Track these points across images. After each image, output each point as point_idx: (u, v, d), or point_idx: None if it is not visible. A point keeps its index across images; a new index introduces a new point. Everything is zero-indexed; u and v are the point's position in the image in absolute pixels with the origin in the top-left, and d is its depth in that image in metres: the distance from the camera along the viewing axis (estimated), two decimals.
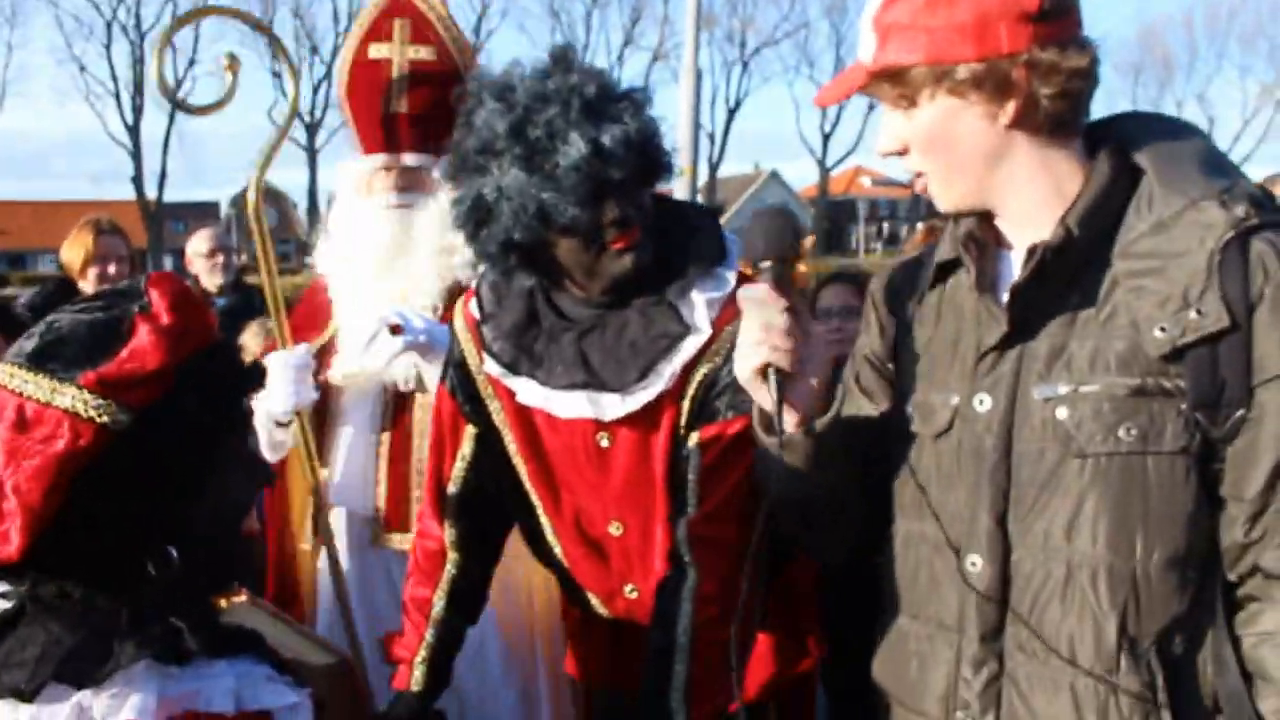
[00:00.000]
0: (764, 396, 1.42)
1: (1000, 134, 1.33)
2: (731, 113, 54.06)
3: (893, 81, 1.34)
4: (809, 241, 4.41)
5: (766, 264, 1.43)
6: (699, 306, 1.81)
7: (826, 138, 51.73)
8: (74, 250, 4.03)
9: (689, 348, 1.82)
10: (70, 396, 1.12)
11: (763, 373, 1.39)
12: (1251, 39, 55.83)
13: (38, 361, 1.16)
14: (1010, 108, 1.31)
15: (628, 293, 1.83)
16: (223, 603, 1.31)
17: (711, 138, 52.64)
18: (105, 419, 1.12)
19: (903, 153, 1.40)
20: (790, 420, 1.43)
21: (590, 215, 1.72)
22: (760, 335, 1.39)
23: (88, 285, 3.90)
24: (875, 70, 1.35)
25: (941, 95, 1.32)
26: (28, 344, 1.18)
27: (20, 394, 1.14)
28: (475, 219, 1.78)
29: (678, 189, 8.98)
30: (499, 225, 1.75)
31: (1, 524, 1.13)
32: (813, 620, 2.17)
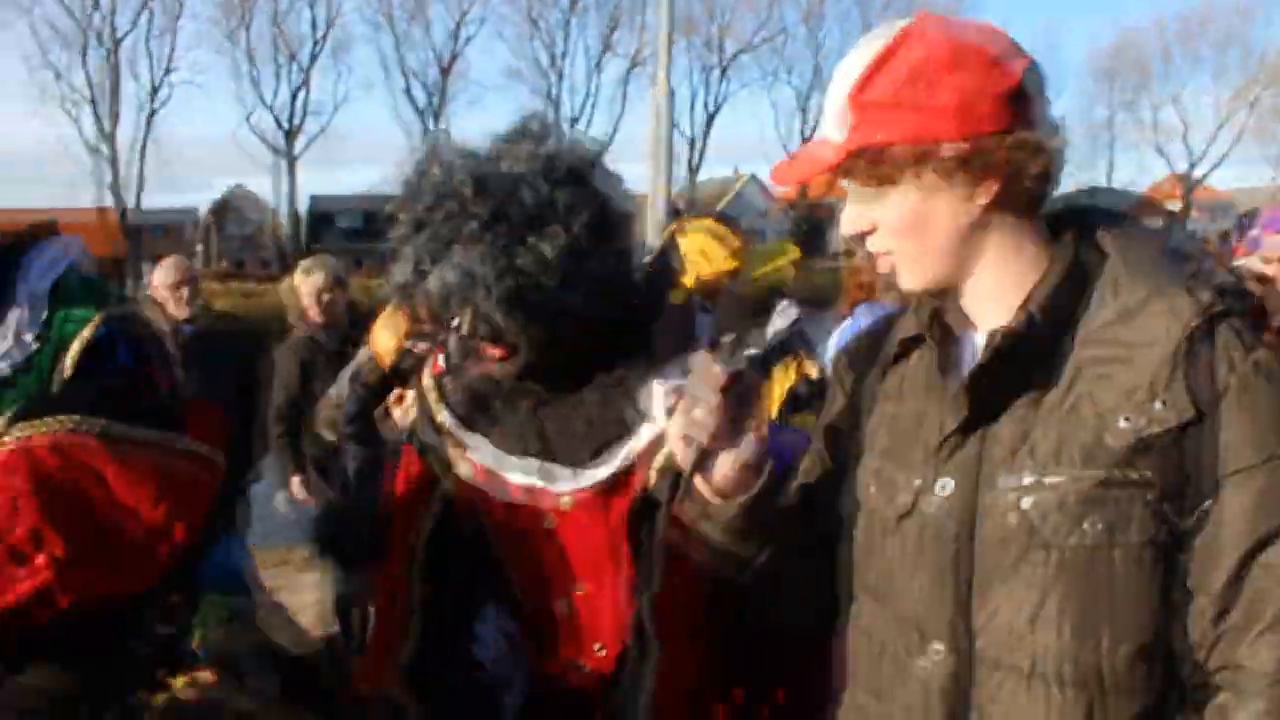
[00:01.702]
0: (681, 459, 1.40)
1: (976, 214, 1.30)
2: (710, 118, 54.23)
3: (870, 161, 1.30)
4: (792, 253, 4.39)
5: (728, 338, 1.41)
6: (656, 395, 1.81)
7: (805, 142, 51.81)
8: None
9: (644, 436, 1.82)
10: (189, 443, 1.29)
11: (685, 440, 1.38)
12: (1224, 44, 56.35)
13: (130, 419, 1.27)
14: (992, 188, 1.28)
15: (586, 372, 1.84)
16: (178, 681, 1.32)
17: (691, 143, 52.80)
18: (221, 461, 1.29)
19: (869, 233, 1.37)
20: (705, 492, 1.41)
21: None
22: (690, 403, 1.37)
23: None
24: (852, 149, 1.31)
25: (924, 175, 1.29)
26: (81, 397, 1.31)
27: (132, 439, 1.25)
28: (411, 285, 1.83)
29: (650, 203, 8.96)
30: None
31: (146, 544, 1.21)
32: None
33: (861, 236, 1.38)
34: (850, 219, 1.37)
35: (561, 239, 1.71)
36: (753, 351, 1.41)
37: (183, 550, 1.20)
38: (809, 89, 53.96)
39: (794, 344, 3.16)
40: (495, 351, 1.80)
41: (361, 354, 3.67)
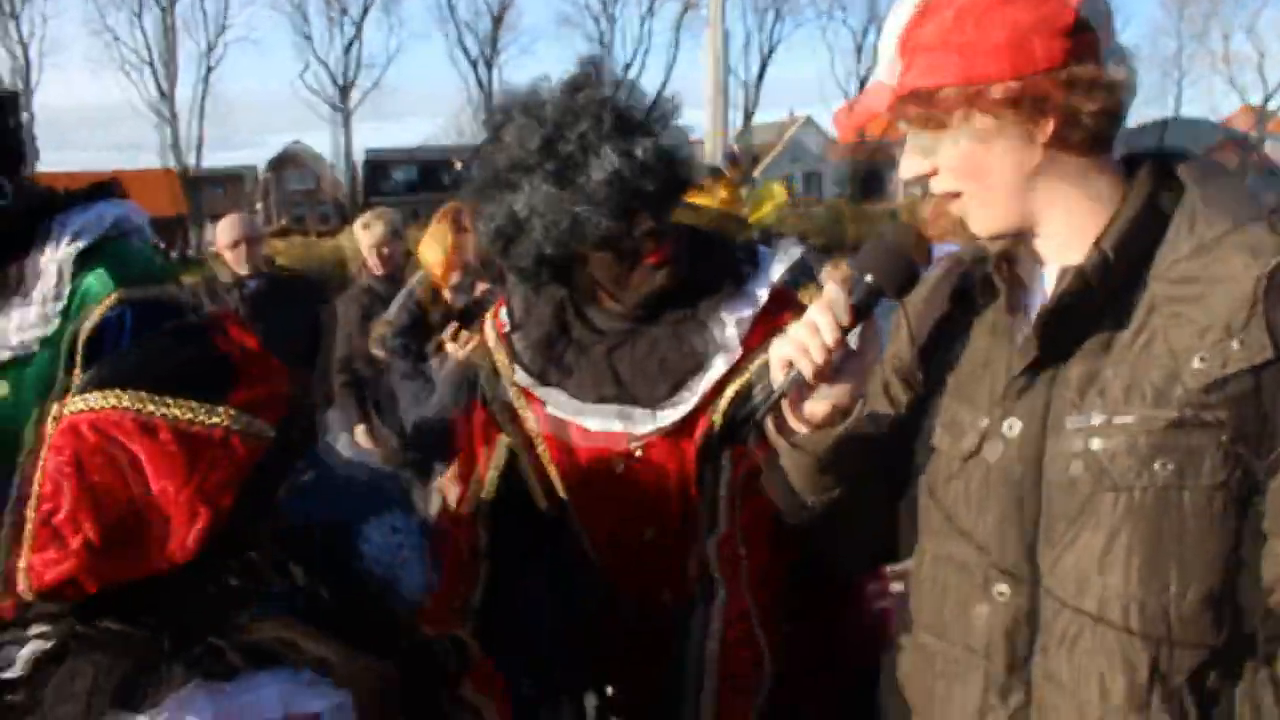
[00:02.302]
0: (776, 379, 1.38)
1: (1037, 154, 1.26)
2: (765, 60, 53.40)
3: (921, 104, 1.27)
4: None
5: (868, 279, 1.35)
6: (729, 325, 1.82)
7: (862, 82, 50.90)
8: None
9: (719, 366, 1.82)
10: (229, 417, 1.24)
11: (786, 364, 1.36)
12: None
13: (169, 387, 1.24)
14: (1048, 126, 1.24)
15: (658, 308, 1.84)
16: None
17: (745, 85, 52.08)
18: (266, 433, 1.25)
19: (930, 175, 1.33)
20: (790, 419, 1.39)
21: (623, 229, 1.72)
22: (804, 332, 1.34)
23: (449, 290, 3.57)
24: (902, 93, 1.28)
25: (975, 116, 1.25)
26: (141, 371, 1.26)
27: (167, 417, 1.22)
28: (507, 235, 1.78)
29: (707, 147, 8.90)
30: (531, 241, 1.75)
31: (172, 529, 1.20)
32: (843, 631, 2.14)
33: (924, 179, 1.35)
34: (910, 162, 1.35)
35: (664, 140, 1.74)
36: (883, 296, 1.37)
37: (217, 530, 1.21)
38: (865, 29, 52.85)
39: (809, 273, 3.15)
40: (656, 258, 1.78)
41: (414, 277, 3.71)
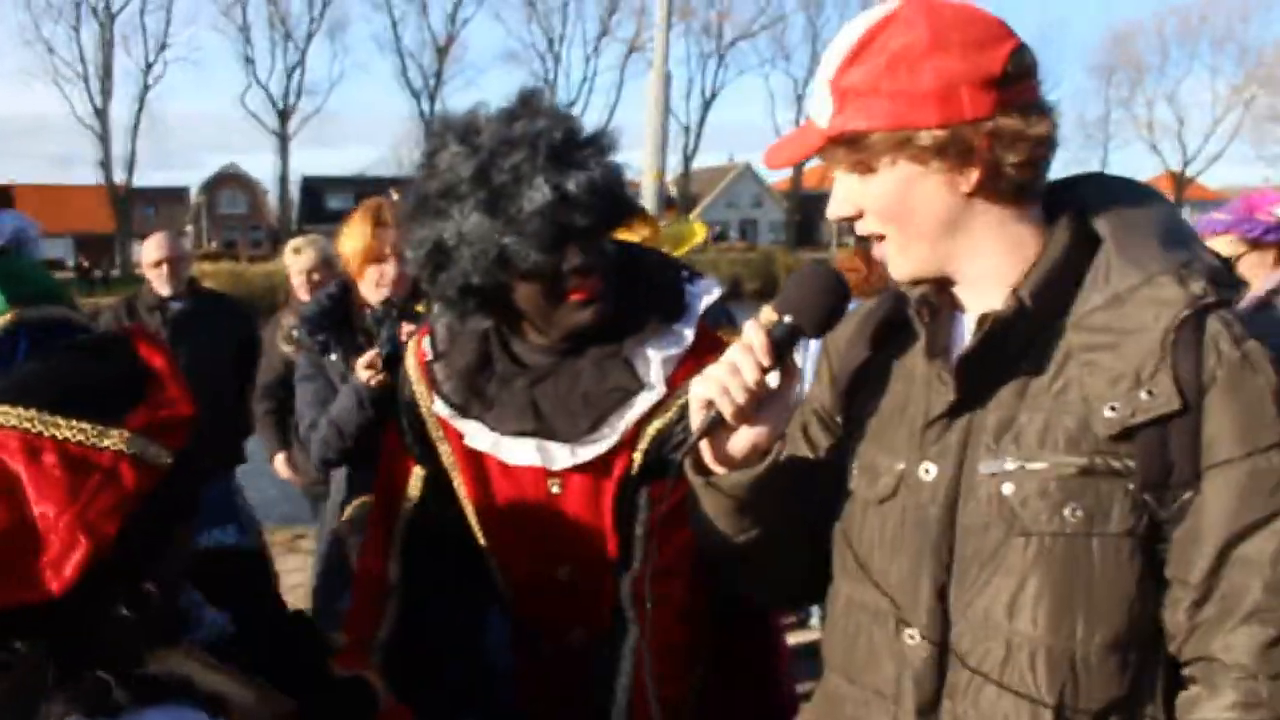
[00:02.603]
0: (695, 422, 1.37)
1: (960, 201, 1.29)
2: (706, 104, 54.16)
3: (850, 147, 1.29)
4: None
5: (787, 319, 1.35)
6: (654, 363, 1.80)
7: None
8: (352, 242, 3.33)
9: (641, 404, 1.80)
10: (123, 440, 1.17)
11: (706, 404, 1.35)
12: (1221, 41, 56.43)
13: (63, 407, 1.18)
14: (972, 176, 1.26)
15: (583, 343, 1.82)
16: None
17: (686, 129, 52.72)
18: (163, 459, 1.18)
19: (856, 217, 1.35)
20: (708, 458, 1.39)
21: (552, 262, 1.70)
22: (724, 372, 1.33)
23: (367, 286, 3.26)
24: (832, 135, 1.30)
25: (902, 162, 1.27)
26: (35, 390, 1.20)
27: (56, 438, 1.16)
28: (435, 262, 1.75)
29: (645, 189, 8.93)
30: (458, 269, 1.72)
31: (49, 557, 1.13)
32: (772, 668, 2.14)
33: (849, 220, 1.36)
34: (837, 203, 1.36)
35: (598, 174, 1.72)
36: (803, 335, 1.37)
37: (99, 559, 1.14)
38: (807, 76, 53.84)
39: (728, 316, 3.14)
40: (582, 294, 1.75)
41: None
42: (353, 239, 3.11)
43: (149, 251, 4.98)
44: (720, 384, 1.33)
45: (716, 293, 1.92)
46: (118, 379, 1.22)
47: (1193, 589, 1.22)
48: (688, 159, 52.89)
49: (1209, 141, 53.68)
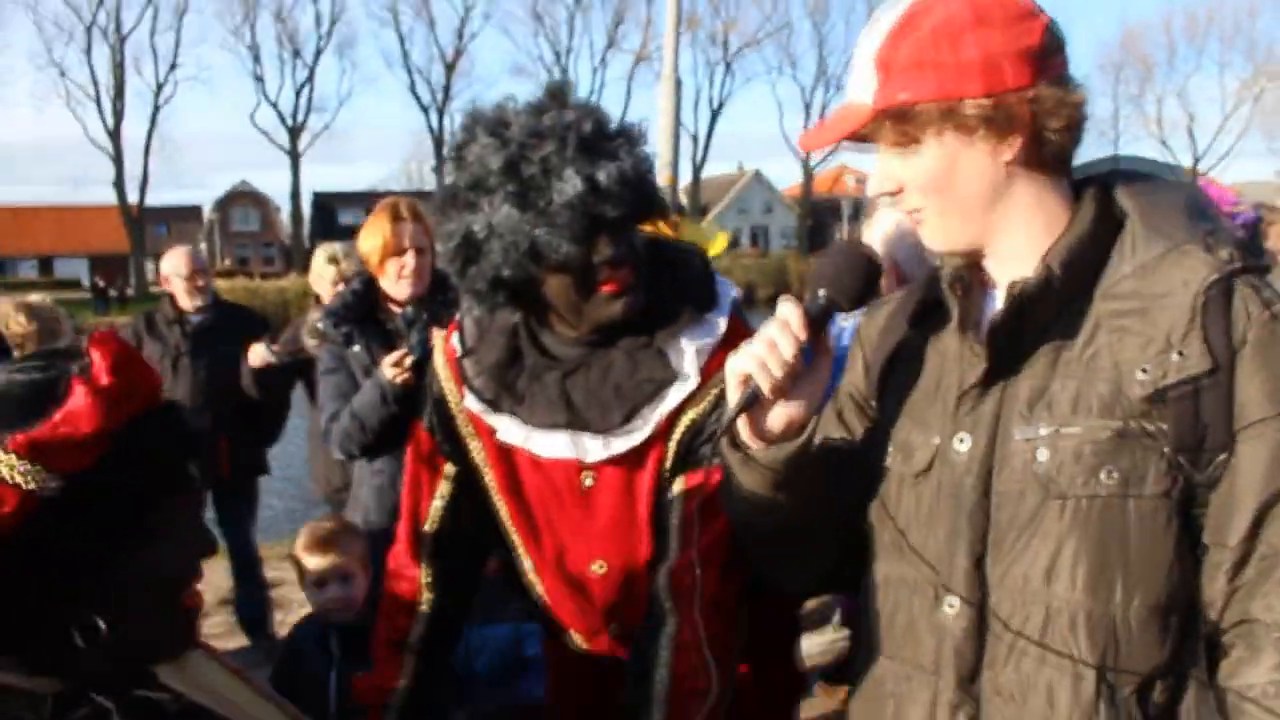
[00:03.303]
0: (732, 399, 1.38)
1: (1001, 171, 1.32)
2: (715, 114, 54.23)
3: (896, 120, 1.32)
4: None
5: (822, 293, 1.38)
6: (688, 354, 1.80)
7: None
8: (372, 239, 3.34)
9: (675, 395, 1.80)
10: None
11: (744, 380, 1.37)
12: (1230, 37, 56.23)
13: None
14: (1016, 143, 1.30)
15: (614, 334, 1.81)
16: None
17: (695, 139, 52.79)
18: (33, 485, 1.04)
19: (896, 193, 1.37)
20: (745, 434, 1.40)
21: (583, 253, 1.69)
22: (762, 348, 1.35)
23: (388, 281, 3.29)
24: (880, 108, 1.32)
25: (948, 133, 1.30)
26: None
27: None
28: (464, 255, 1.75)
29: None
30: (488, 262, 1.72)
31: None
32: (790, 658, 2.16)
33: (891, 196, 1.39)
34: (878, 179, 1.39)
35: (628, 165, 1.72)
36: (838, 310, 1.40)
37: None
38: (814, 85, 53.88)
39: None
40: (613, 285, 1.75)
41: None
42: (372, 235, 3.15)
43: (178, 265, 4.97)
44: (758, 359, 1.35)
45: (735, 292, 1.92)
46: (33, 390, 1.11)
47: (1231, 551, 1.23)
48: (697, 168, 52.95)
49: (1219, 137, 53.54)
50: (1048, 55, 1.29)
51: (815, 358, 1.38)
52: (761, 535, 1.51)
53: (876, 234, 2.75)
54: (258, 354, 4.63)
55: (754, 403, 1.36)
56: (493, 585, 2.58)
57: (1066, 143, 1.31)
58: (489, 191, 1.70)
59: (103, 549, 1.10)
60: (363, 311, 3.25)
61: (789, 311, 1.36)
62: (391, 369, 2.91)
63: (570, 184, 1.66)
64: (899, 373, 1.48)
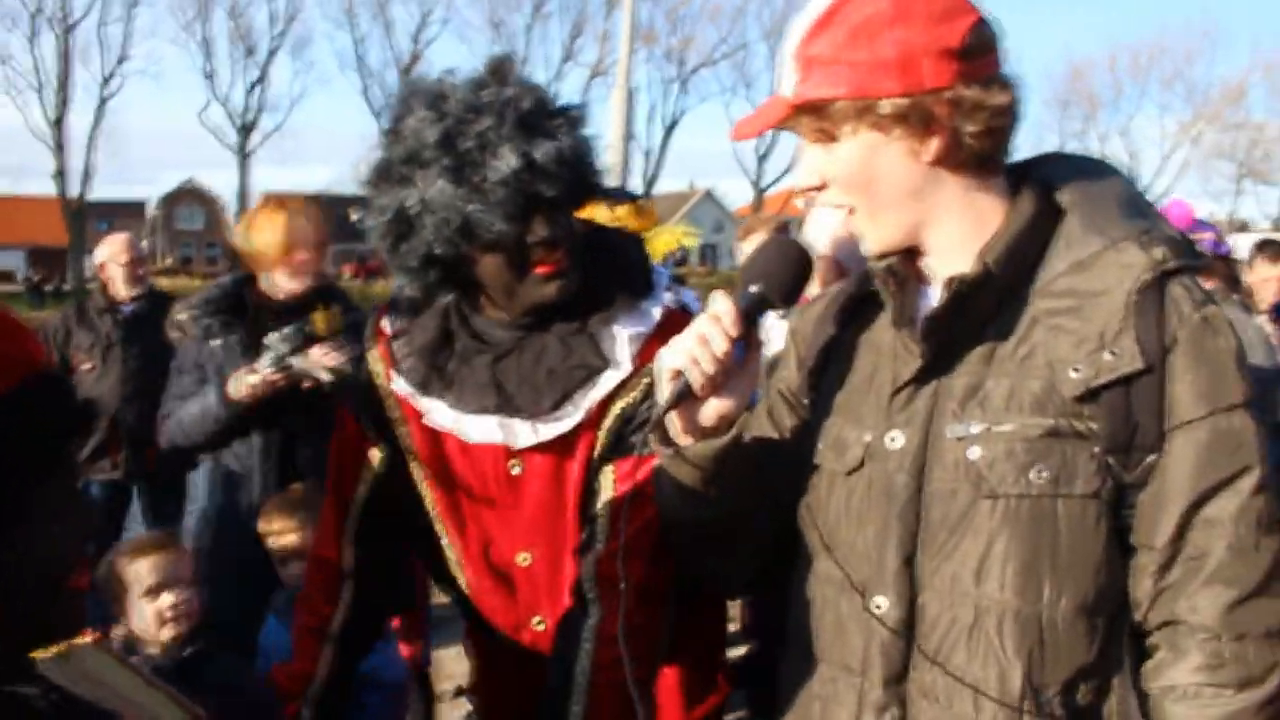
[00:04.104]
0: (662, 394, 1.37)
1: (923, 170, 1.31)
2: (668, 130, 54.43)
3: (814, 115, 1.31)
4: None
5: (755, 288, 1.37)
6: (620, 341, 1.78)
7: (761, 159, 52.26)
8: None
9: (607, 382, 1.77)
10: None
11: (675, 375, 1.35)
12: (1171, 80, 57.76)
13: None
14: (933, 144, 1.28)
15: (547, 318, 1.78)
16: (62, 645, 1.17)
17: (647, 154, 52.94)
18: None
19: (821, 188, 1.37)
20: (675, 429, 1.39)
21: (517, 232, 1.66)
22: (694, 343, 1.34)
23: (281, 278, 3.21)
24: (796, 103, 1.31)
25: (864, 130, 1.29)
26: None
27: None
28: (396, 231, 1.71)
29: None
30: (420, 239, 1.69)
31: None
32: (720, 655, 2.15)
33: (815, 191, 1.38)
34: (803, 173, 1.38)
35: (566, 144, 1.68)
36: (770, 306, 1.38)
37: None
38: None
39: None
40: (547, 267, 1.72)
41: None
42: (268, 231, 3.11)
43: (115, 251, 4.91)
44: (689, 354, 1.33)
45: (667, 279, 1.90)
46: None
47: (1158, 553, 1.23)
48: (649, 184, 53.11)
49: (1157, 179, 54.83)
50: (972, 54, 1.27)
51: (746, 353, 1.36)
52: (689, 531, 1.50)
53: (821, 231, 2.75)
54: None
55: (685, 397, 1.35)
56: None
57: (987, 145, 1.30)
58: (423, 165, 1.66)
59: None
60: (228, 307, 3.20)
61: (721, 306, 1.34)
62: (241, 385, 2.91)
63: (506, 160, 1.63)
64: (832, 369, 1.47)
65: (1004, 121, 1.30)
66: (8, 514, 1.05)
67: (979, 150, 1.30)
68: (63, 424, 1.13)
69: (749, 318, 1.35)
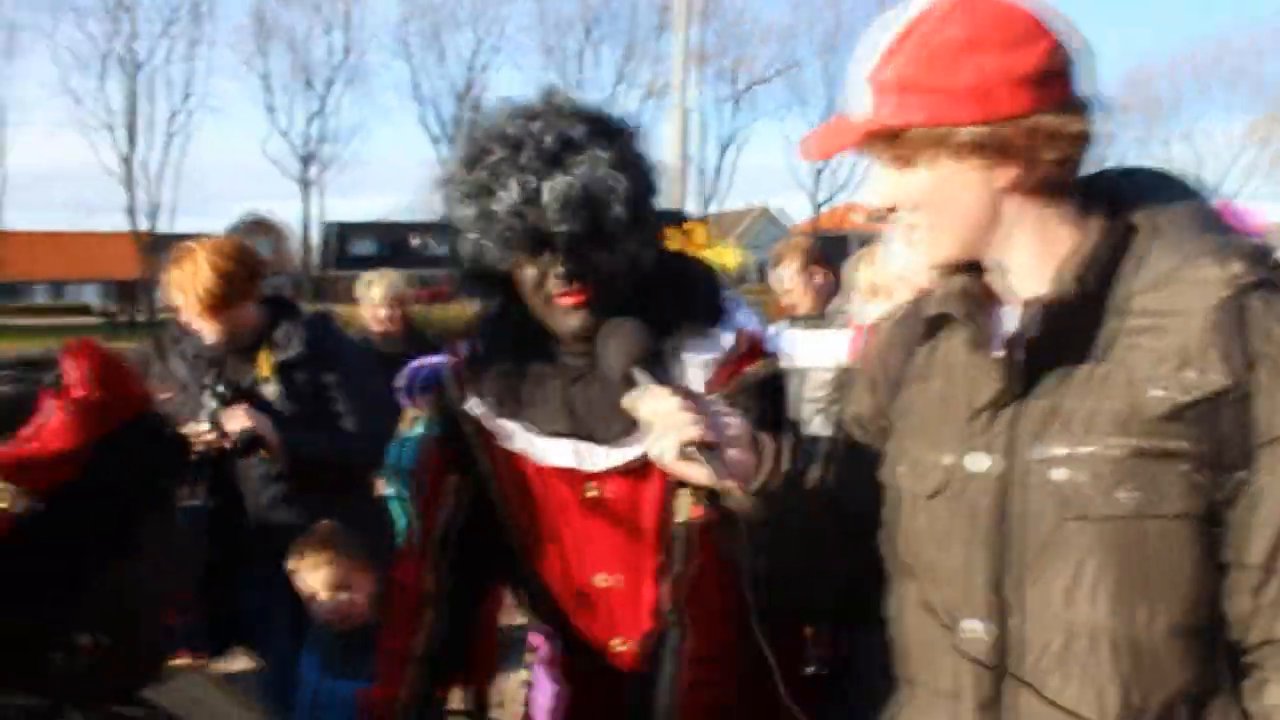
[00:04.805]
0: (698, 473, 1.37)
1: (995, 196, 1.30)
2: (724, 149, 54.40)
3: (889, 141, 1.31)
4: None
5: (634, 369, 1.44)
6: (691, 368, 1.79)
7: (818, 174, 51.99)
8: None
9: None
10: None
11: (684, 454, 1.36)
12: (1236, 79, 56.46)
13: None
14: (1008, 172, 1.28)
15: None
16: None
17: (703, 174, 52.92)
18: (3, 504, 1.01)
19: (890, 210, 1.37)
20: (730, 487, 1.38)
21: (521, 264, 1.72)
22: (660, 425, 1.37)
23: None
24: (872, 129, 1.31)
25: (940, 157, 1.29)
26: None
27: None
28: (451, 243, 1.81)
29: None
30: (461, 254, 1.79)
31: None
32: (800, 675, 2.15)
33: (884, 213, 1.38)
34: (873, 195, 1.38)
35: (579, 184, 1.70)
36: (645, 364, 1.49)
37: None
38: (822, 121, 53.76)
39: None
40: (569, 300, 1.75)
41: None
42: (174, 289, 3.19)
43: None
44: (670, 428, 1.37)
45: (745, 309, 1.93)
46: (4, 404, 1.06)
47: (1253, 571, 1.21)
48: (706, 202, 53.05)
49: (1225, 182, 53.50)
50: (1049, 80, 1.26)
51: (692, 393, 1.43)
52: (773, 578, 1.47)
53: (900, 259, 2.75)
54: None
55: (715, 457, 1.36)
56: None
57: (1063, 174, 1.29)
58: (454, 185, 1.76)
59: (81, 565, 1.07)
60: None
61: (634, 395, 1.44)
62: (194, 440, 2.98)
63: (510, 193, 1.67)
64: (904, 391, 1.47)
65: (1080, 149, 1.29)
66: (114, 547, 1.09)
67: (1056, 177, 1.30)
68: (165, 460, 1.17)
69: (659, 380, 1.45)
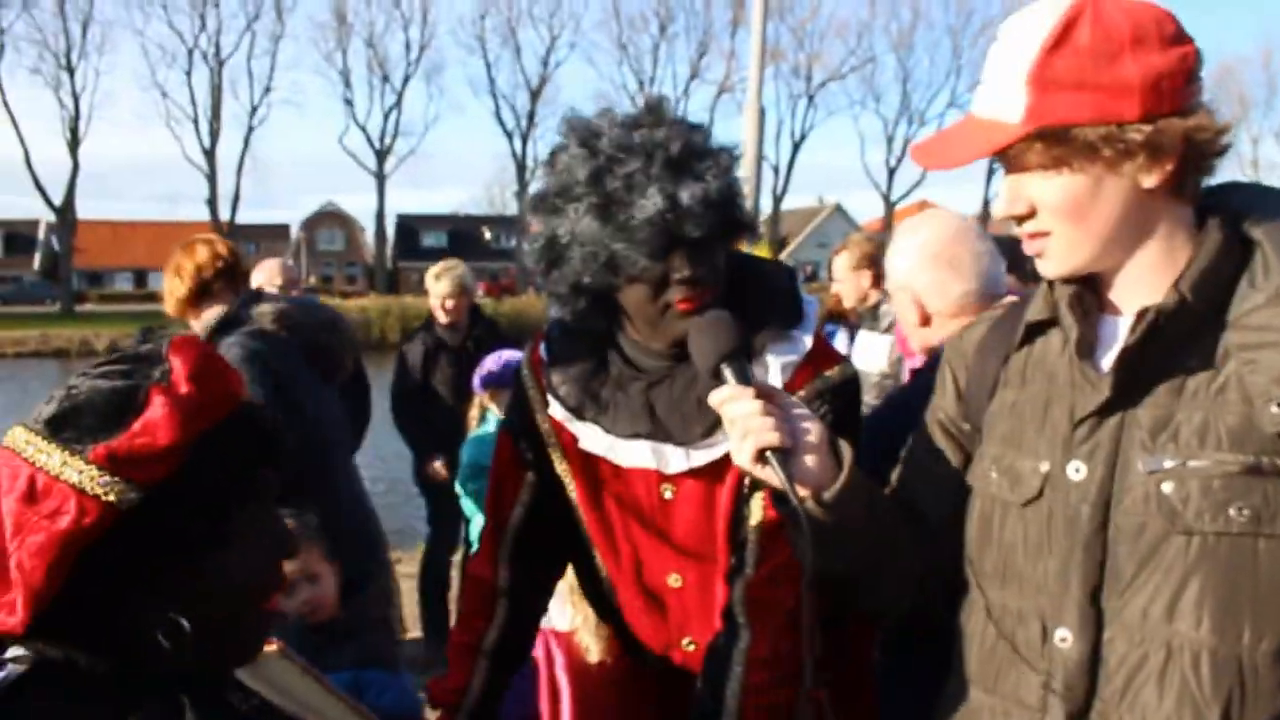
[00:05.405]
0: (771, 478, 1.37)
1: (1140, 199, 1.26)
2: (796, 146, 54.14)
3: (1049, 141, 1.26)
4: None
5: (723, 365, 1.43)
6: (772, 369, 1.80)
7: (892, 172, 51.51)
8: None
9: None
10: (79, 471, 1.05)
11: (760, 459, 1.35)
12: None
13: (55, 429, 1.09)
14: (1161, 171, 1.24)
15: None
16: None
17: (776, 170, 52.75)
18: (112, 497, 1.04)
19: (1028, 216, 1.32)
20: (803, 493, 1.36)
21: (659, 269, 1.72)
22: (741, 428, 1.36)
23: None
24: (1033, 129, 1.26)
25: (1103, 156, 1.24)
26: (47, 408, 1.11)
27: (34, 463, 1.07)
28: (548, 258, 1.79)
29: None
30: (570, 268, 1.76)
31: (7, 594, 1.05)
32: (870, 679, 2.13)
33: (1020, 219, 1.33)
34: (1009, 200, 1.33)
35: (713, 187, 1.73)
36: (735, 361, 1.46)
37: (42, 603, 1.04)
38: (897, 119, 53.49)
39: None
40: (690, 304, 1.75)
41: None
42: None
43: (272, 275, 5.11)
44: (749, 432, 1.35)
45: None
46: (115, 398, 1.10)
47: None
48: (777, 200, 52.86)
49: None
50: (1196, 78, 1.24)
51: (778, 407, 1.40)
52: (843, 579, 1.47)
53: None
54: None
55: (787, 464, 1.35)
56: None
57: (1207, 170, 1.27)
58: (574, 199, 1.74)
59: (185, 555, 1.10)
60: None
61: (720, 393, 1.40)
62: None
63: (652, 201, 1.67)
64: (997, 395, 1.44)
65: (1222, 150, 1.26)
66: (212, 539, 1.12)
67: (1198, 177, 1.27)
68: (262, 453, 1.19)
69: (744, 379, 1.42)
